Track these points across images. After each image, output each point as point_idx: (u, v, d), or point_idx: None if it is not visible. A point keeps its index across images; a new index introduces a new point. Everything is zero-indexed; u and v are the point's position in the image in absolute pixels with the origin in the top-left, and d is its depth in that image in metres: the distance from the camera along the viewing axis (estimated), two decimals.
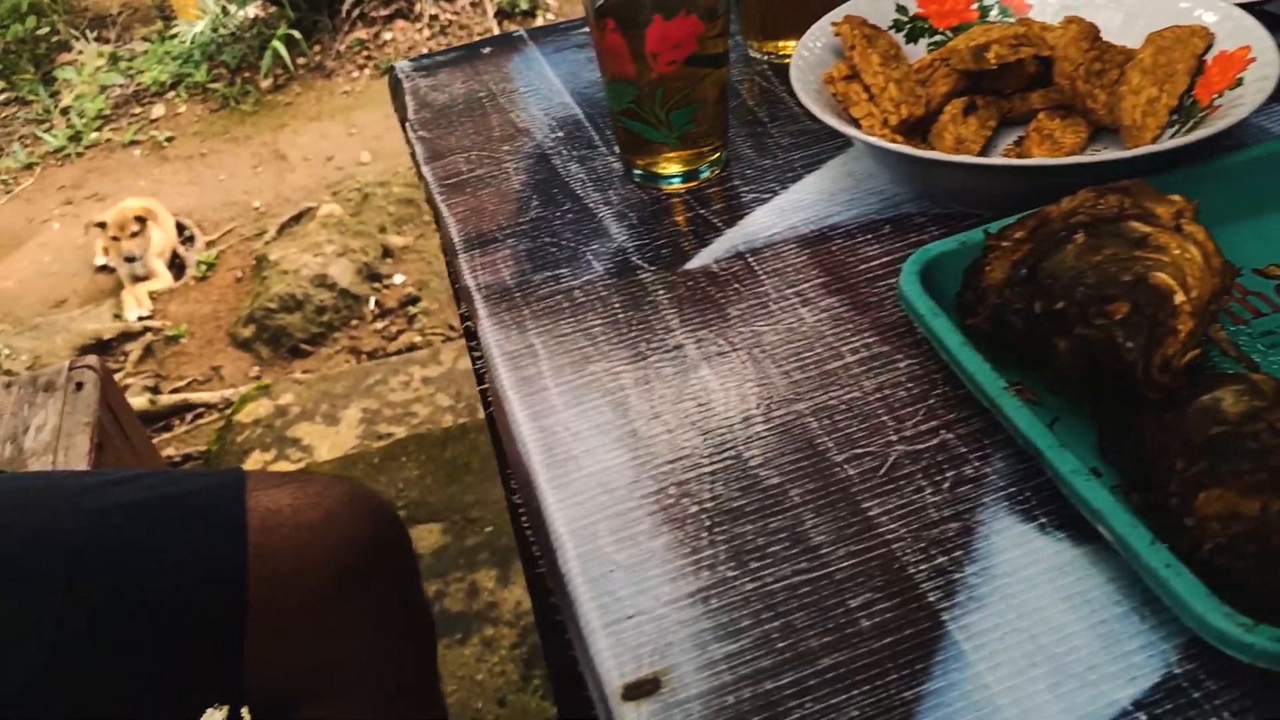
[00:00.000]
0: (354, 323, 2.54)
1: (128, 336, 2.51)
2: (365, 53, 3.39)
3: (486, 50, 0.70)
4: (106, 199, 2.98)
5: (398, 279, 2.64)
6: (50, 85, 3.50)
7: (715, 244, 0.50)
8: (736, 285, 0.47)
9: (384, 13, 3.40)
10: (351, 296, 2.55)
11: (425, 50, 3.47)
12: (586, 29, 0.71)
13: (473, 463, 1.63)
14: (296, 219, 2.82)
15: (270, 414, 1.97)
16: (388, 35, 3.43)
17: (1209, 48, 0.47)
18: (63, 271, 2.81)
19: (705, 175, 0.54)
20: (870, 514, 0.36)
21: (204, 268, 2.69)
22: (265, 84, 3.30)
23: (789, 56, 0.62)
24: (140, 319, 2.54)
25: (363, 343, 2.49)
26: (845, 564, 0.34)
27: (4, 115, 3.49)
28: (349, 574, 0.66)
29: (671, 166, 0.53)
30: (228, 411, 2.07)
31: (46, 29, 3.64)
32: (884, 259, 0.47)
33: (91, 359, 0.91)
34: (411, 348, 2.43)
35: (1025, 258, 0.37)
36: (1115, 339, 0.32)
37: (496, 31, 3.71)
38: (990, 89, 0.49)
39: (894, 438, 0.38)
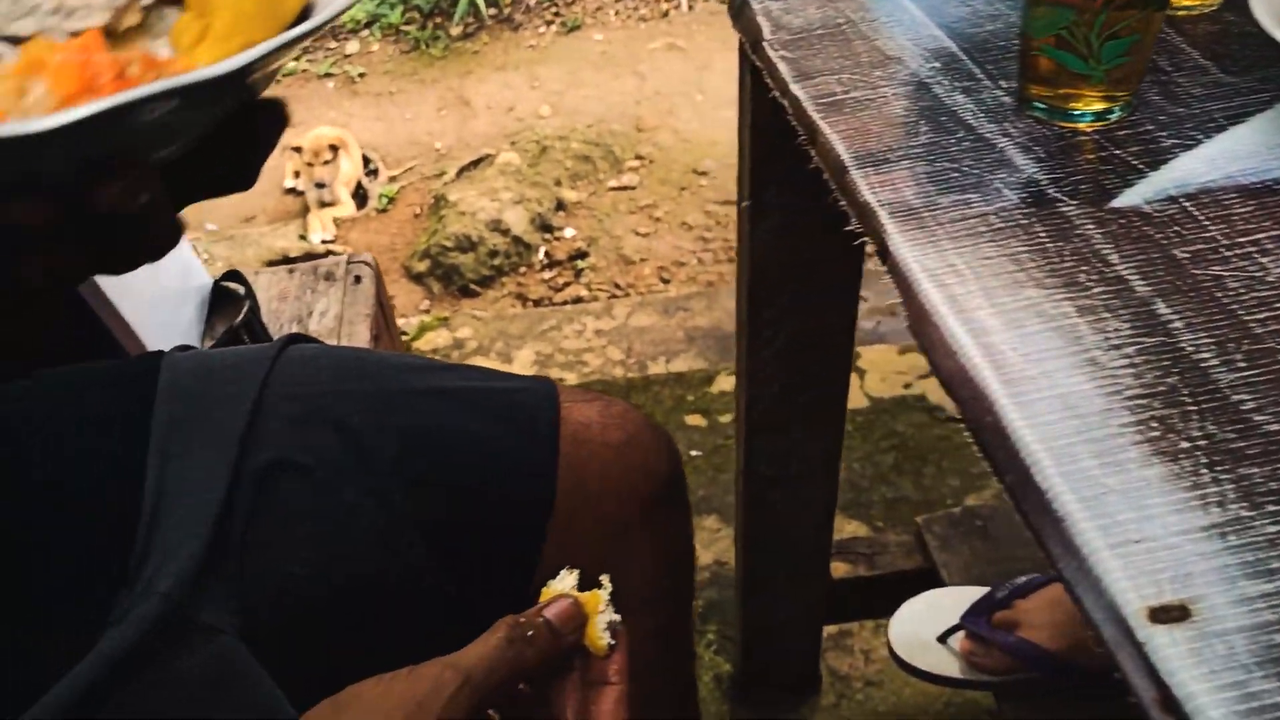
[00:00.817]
0: (523, 270, 2.59)
1: (311, 257, 2.62)
2: (553, 9, 3.43)
3: None
4: (299, 126, 3.12)
5: (568, 232, 2.68)
6: None
7: (1140, 185, 0.47)
8: (1176, 228, 0.44)
9: None
10: (523, 244, 2.60)
11: (612, 14, 3.50)
12: None
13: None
14: (475, 164, 2.89)
15: (448, 345, 2.03)
16: None
17: None
18: (254, 189, 2.96)
19: (1114, 117, 0.51)
20: None
21: (385, 200, 2.79)
22: (455, 31, 3.39)
23: (1187, 8, 0.59)
24: (323, 242, 2.66)
25: (530, 290, 2.53)
26: None
27: None
28: (645, 501, 0.66)
29: (1087, 103, 0.50)
30: (406, 337, 2.14)
31: None
32: None
33: (367, 255, 0.94)
34: (577, 300, 2.46)
35: None
36: None
37: (685, 3, 3.70)
38: None
39: None
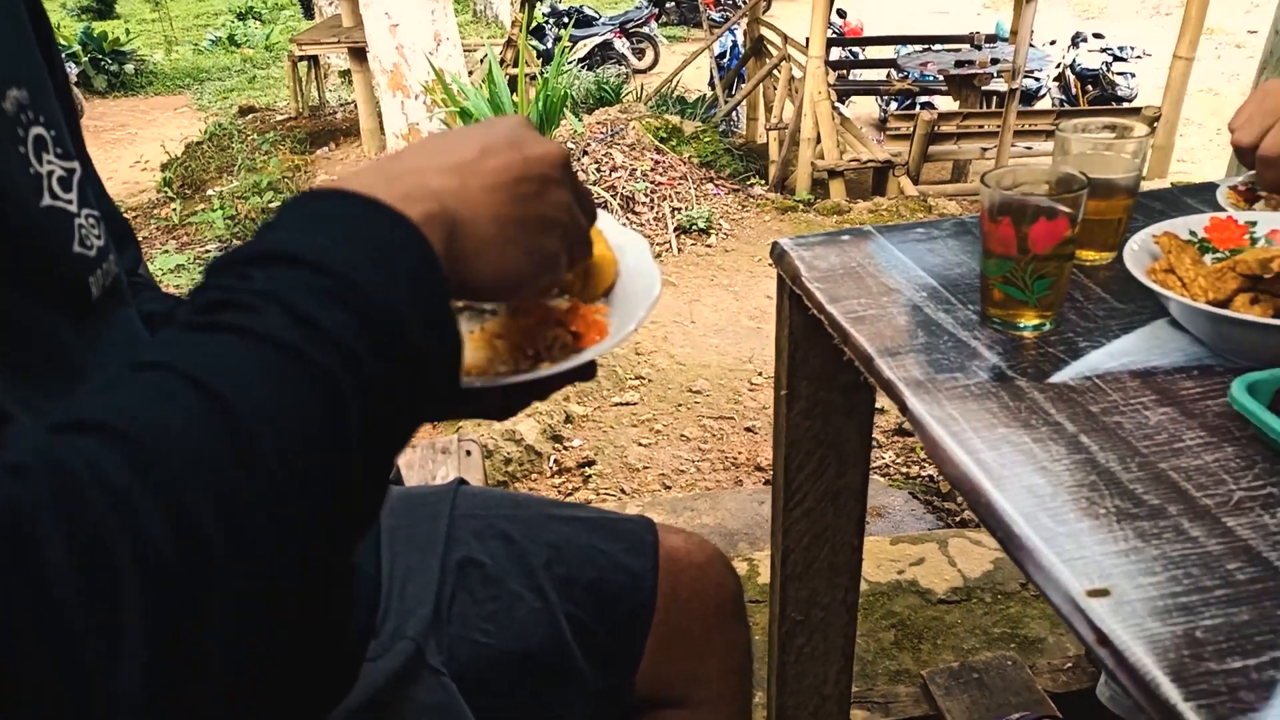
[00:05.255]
0: (534, 476, 2.80)
1: None
2: None
3: (845, 238, 0.97)
4: None
5: (576, 443, 2.92)
6: None
7: (1066, 370, 0.72)
8: (1092, 393, 0.69)
9: None
10: (535, 452, 2.83)
11: None
12: (920, 229, 0.98)
13: None
14: None
15: None
16: None
17: None
18: None
19: (1047, 328, 0.77)
20: (1229, 526, 0.56)
21: None
22: None
23: (1091, 262, 0.87)
24: None
25: (541, 494, 2.73)
26: (1215, 546, 0.54)
27: None
28: (722, 610, 0.85)
29: (1027, 319, 0.77)
30: None
31: None
32: (1198, 390, 0.68)
33: (473, 435, 1.17)
34: (588, 503, 2.65)
35: None
36: None
37: (675, 243, 4.18)
38: (1265, 289, 0.72)
39: (1233, 487, 0.58)
